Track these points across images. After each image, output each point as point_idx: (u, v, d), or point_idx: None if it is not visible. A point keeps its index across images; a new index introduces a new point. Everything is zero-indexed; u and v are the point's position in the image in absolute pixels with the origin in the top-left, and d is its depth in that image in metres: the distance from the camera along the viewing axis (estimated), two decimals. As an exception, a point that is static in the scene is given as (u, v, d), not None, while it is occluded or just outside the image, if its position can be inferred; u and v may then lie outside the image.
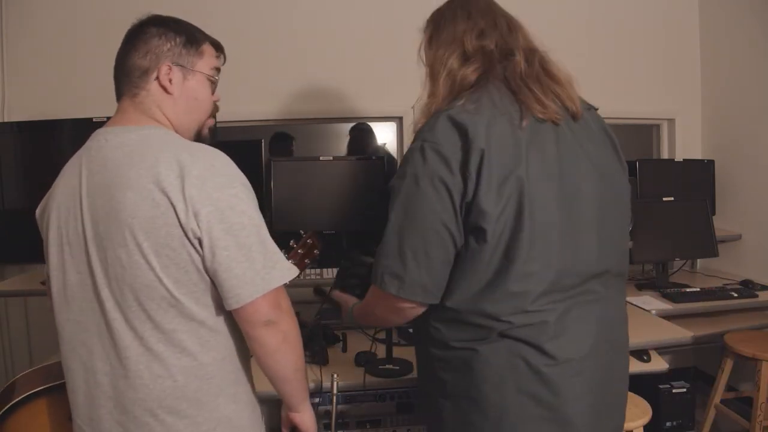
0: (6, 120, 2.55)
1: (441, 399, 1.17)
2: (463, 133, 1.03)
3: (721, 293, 2.43)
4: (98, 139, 1.09)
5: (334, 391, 1.59)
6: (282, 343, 1.05)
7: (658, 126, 3.27)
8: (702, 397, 2.66)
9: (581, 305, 1.12)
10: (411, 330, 1.42)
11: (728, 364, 2.31)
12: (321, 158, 2.39)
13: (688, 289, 2.47)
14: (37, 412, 1.34)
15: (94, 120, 2.16)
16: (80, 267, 1.05)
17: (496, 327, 1.08)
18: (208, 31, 1.19)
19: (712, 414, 2.40)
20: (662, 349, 2.02)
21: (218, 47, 1.19)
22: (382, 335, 2.06)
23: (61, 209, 1.07)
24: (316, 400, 1.73)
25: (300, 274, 1.25)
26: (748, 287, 2.53)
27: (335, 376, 1.60)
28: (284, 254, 1.12)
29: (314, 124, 3.12)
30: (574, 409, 1.09)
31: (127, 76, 1.10)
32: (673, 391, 2.58)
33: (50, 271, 1.10)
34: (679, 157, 3.09)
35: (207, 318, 1.04)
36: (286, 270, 1.05)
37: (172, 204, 0.97)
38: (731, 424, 2.47)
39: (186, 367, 1.03)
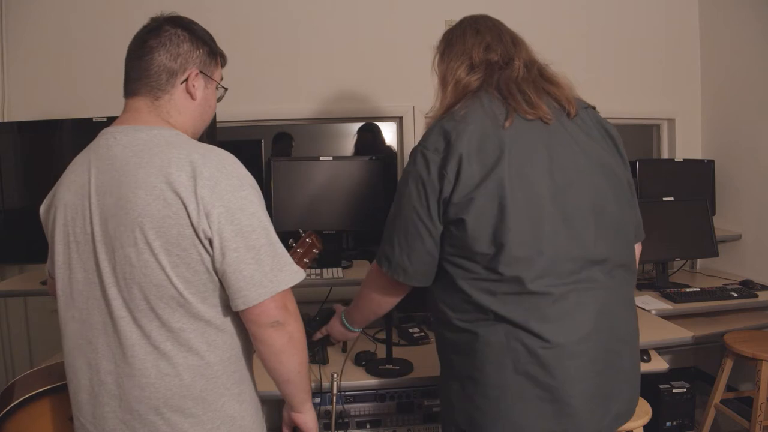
0: (6, 120, 2.55)
1: (450, 380, 1.26)
2: (447, 139, 1.17)
3: (721, 293, 2.43)
4: (107, 137, 1.08)
5: (334, 391, 1.59)
6: (287, 344, 1.07)
7: (658, 126, 3.27)
8: (702, 397, 2.66)
9: (580, 292, 1.17)
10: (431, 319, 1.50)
11: (728, 364, 2.31)
12: (321, 158, 2.39)
13: (688, 289, 2.47)
14: (37, 414, 1.33)
15: (94, 120, 2.15)
16: (87, 265, 1.05)
17: (488, 306, 1.16)
18: (207, 31, 1.20)
19: (712, 414, 2.40)
20: (662, 349, 2.02)
21: (225, 60, 1.22)
22: (382, 335, 2.06)
23: (68, 207, 1.07)
24: (317, 400, 1.73)
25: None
26: (748, 287, 2.53)
27: (335, 376, 1.60)
28: None
29: (314, 124, 3.13)
30: (572, 391, 1.14)
31: (150, 77, 1.08)
32: (673, 391, 2.58)
33: (56, 269, 1.10)
34: (679, 157, 3.09)
35: (214, 317, 1.05)
36: (294, 273, 1.07)
37: (184, 204, 0.98)
38: (731, 424, 2.48)
39: (192, 366, 1.03)
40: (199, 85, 1.12)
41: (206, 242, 1.00)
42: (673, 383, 2.60)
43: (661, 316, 2.22)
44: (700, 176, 2.95)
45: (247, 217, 1.01)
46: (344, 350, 1.95)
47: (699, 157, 3.13)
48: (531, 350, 1.14)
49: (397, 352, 1.92)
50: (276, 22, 2.77)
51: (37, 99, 2.62)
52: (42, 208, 1.15)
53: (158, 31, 1.09)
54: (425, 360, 1.85)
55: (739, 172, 2.90)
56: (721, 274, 2.85)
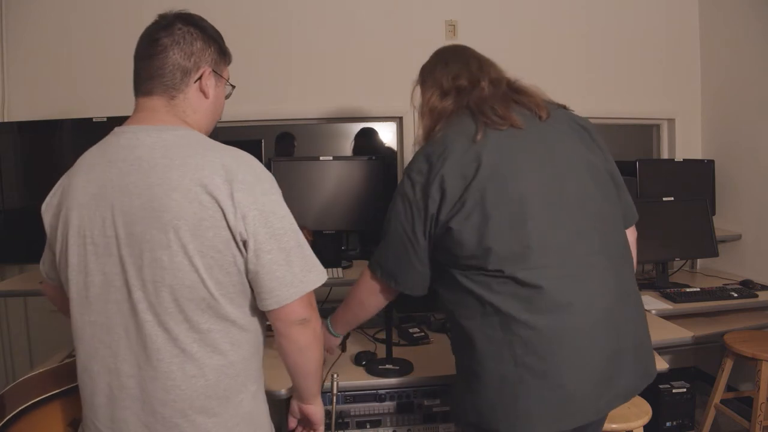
0: (6, 120, 2.55)
1: (458, 377, 1.34)
2: (429, 162, 1.29)
3: (721, 293, 2.43)
4: (126, 137, 1.06)
5: (334, 391, 1.58)
6: (312, 340, 1.12)
7: (658, 126, 3.27)
8: (702, 397, 2.66)
9: (575, 280, 1.22)
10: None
11: (728, 364, 2.31)
12: (321, 158, 2.39)
13: (688, 289, 2.47)
14: (35, 423, 1.30)
15: (94, 120, 2.16)
16: (106, 268, 1.03)
17: (487, 300, 1.23)
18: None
19: (712, 414, 2.40)
20: (662, 349, 2.01)
21: (231, 58, 1.21)
22: (382, 335, 2.06)
23: (84, 209, 1.04)
24: (316, 400, 1.73)
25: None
26: (748, 287, 2.53)
27: (335, 376, 1.60)
28: None
29: (314, 124, 3.13)
30: (574, 378, 1.19)
31: (165, 76, 1.07)
32: (673, 391, 2.58)
33: (69, 272, 1.06)
34: (679, 157, 3.09)
35: (239, 318, 1.07)
36: (321, 273, 1.12)
37: (220, 207, 0.99)
38: (731, 424, 2.48)
39: (217, 366, 1.04)
40: (211, 83, 1.12)
41: (241, 244, 1.02)
42: (673, 383, 2.60)
43: (661, 316, 2.22)
44: (700, 176, 2.95)
45: (279, 220, 1.05)
46: (344, 350, 1.95)
47: (699, 157, 3.13)
48: (528, 341, 1.19)
49: (397, 352, 1.92)
50: (276, 22, 2.77)
51: (37, 99, 2.62)
52: (45, 208, 1.12)
53: (170, 28, 1.08)
54: (425, 360, 1.84)
55: (739, 172, 2.90)
56: (721, 274, 2.85)
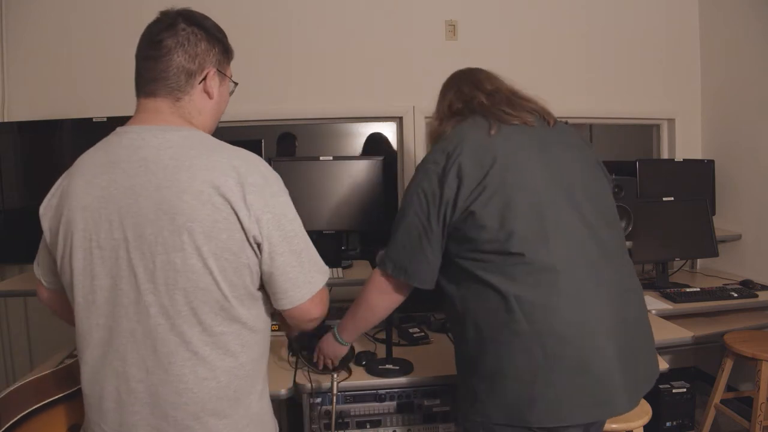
0: (6, 120, 2.55)
1: (474, 379, 1.32)
2: (446, 152, 1.34)
3: (721, 293, 2.43)
4: (130, 137, 1.04)
5: (334, 391, 1.59)
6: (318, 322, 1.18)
7: (658, 126, 3.27)
8: (702, 397, 2.66)
9: (588, 265, 1.27)
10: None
11: (728, 364, 2.31)
12: (321, 158, 2.40)
13: (688, 289, 2.47)
14: (36, 430, 1.29)
15: (94, 120, 2.16)
16: (114, 272, 1.01)
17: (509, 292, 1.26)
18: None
19: (712, 414, 2.40)
20: (662, 349, 2.01)
21: (233, 54, 1.20)
22: (382, 335, 2.06)
23: (88, 212, 1.01)
24: (317, 400, 1.73)
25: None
26: (748, 287, 2.53)
27: (335, 376, 1.60)
28: None
29: (315, 124, 3.13)
30: (599, 362, 1.22)
31: (169, 79, 1.06)
32: (673, 391, 2.58)
33: (74, 276, 1.04)
34: (679, 157, 3.09)
35: (250, 319, 1.07)
36: (326, 271, 1.15)
37: (234, 209, 0.99)
38: (731, 424, 2.48)
39: (228, 368, 1.04)
40: (215, 83, 1.11)
41: (255, 246, 1.02)
42: (673, 383, 2.60)
43: (661, 316, 2.22)
44: (700, 176, 2.95)
45: (290, 222, 1.06)
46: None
47: (699, 157, 3.13)
48: (553, 329, 1.21)
49: (397, 352, 1.92)
50: (276, 22, 2.77)
51: (37, 99, 2.62)
52: (43, 210, 1.08)
53: (174, 29, 1.06)
54: (425, 360, 1.84)
55: (739, 172, 2.90)
56: (721, 274, 2.85)
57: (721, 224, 2.93)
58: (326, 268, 1.15)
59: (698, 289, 2.47)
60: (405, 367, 1.81)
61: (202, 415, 1.02)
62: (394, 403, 1.79)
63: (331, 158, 2.40)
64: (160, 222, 0.98)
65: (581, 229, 1.29)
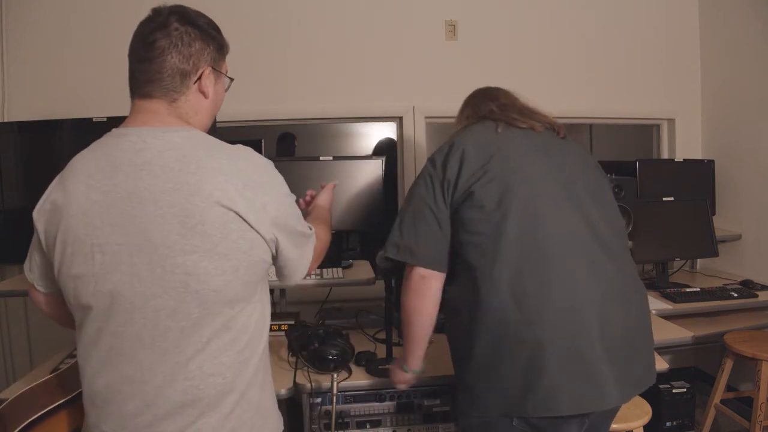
0: (6, 120, 2.55)
1: (469, 374, 1.35)
2: (450, 143, 1.43)
3: (721, 293, 2.43)
4: (130, 139, 1.02)
5: (334, 391, 1.58)
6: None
7: (658, 126, 3.27)
8: (702, 397, 2.66)
9: (586, 256, 1.29)
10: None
11: (728, 364, 2.31)
12: (321, 158, 2.39)
13: (688, 289, 2.47)
14: None
15: (94, 120, 2.15)
16: (118, 277, 0.99)
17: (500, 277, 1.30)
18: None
19: (712, 414, 2.40)
20: (662, 349, 2.02)
21: (228, 48, 1.18)
22: (382, 335, 2.06)
23: (88, 216, 0.99)
24: (317, 400, 1.73)
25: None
26: (748, 287, 2.53)
27: (335, 375, 1.60)
28: None
29: (314, 124, 3.13)
30: (589, 352, 1.23)
31: (163, 80, 1.04)
32: (673, 391, 2.58)
33: (77, 282, 1.02)
34: (679, 157, 3.09)
35: (258, 315, 1.09)
36: (313, 236, 1.20)
37: (243, 209, 0.99)
38: (731, 424, 2.48)
39: (235, 364, 1.04)
40: (210, 82, 1.10)
41: (265, 244, 1.05)
42: (673, 383, 2.60)
43: (661, 316, 2.22)
44: (700, 176, 2.95)
45: (294, 212, 1.12)
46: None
47: (699, 157, 3.13)
48: (543, 316, 1.22)
49: (397, 352, 1.91)
50: (276, 22, 2.77)
51: (37, 99, 2.62)
52: (37, 215, 1.05)
53: (166, 28, 1.04)
54: (425, 360, 1.84)
55: (739, 172, 2.90)
56: (721, 274, 2.86)
57: (721, 224, 2.93)
58: (309, 229, 1.20)
59: (698, 289, 2.47)
60: (405, 367, 1.81)
61: (207, 411, 1.02)
62: (394, 403, 1.79)
63: (331, 158, 2.40)
64: (168, 225, 0.97)
65: (579, 222, 1.31)
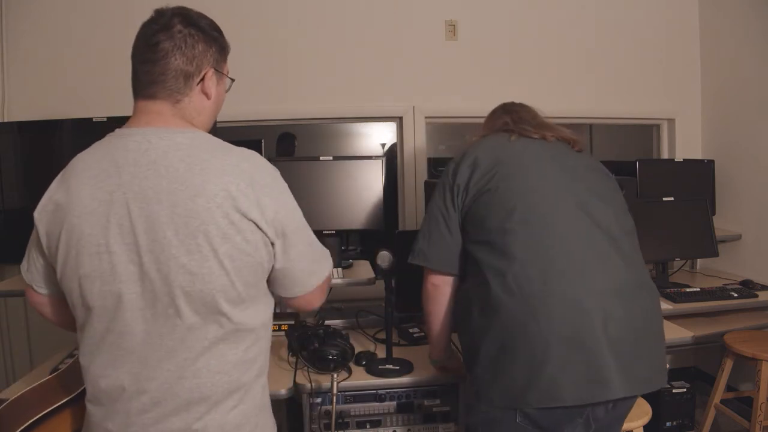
0: (6, 120, 2.55)
1: (475, 367, 1.37)
2: (464, 152, 1.50)
3: (721, 293, 2.43)
4: (135, 139, 1.03)
5: (334, 391, 1.58)
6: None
7: (658, 126, 3.27)
8: (702, 397, 2.66)
9: (594, 253, 1.32)
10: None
11: (728, 364, 2.31)
12: (321, 158, 2.39)
13: (688, 289, 2.47)
14: None
15: (94, 120, 2.15)
16: (125, 276, 0.99)
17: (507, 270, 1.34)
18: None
19: (712, 414, 2.40)
20: (662, 349, 2.02)
21: (229, 48, 1.19)
22: (382, 335, 2.07)
23: (94, 216, 0.99)
24: (317, 400, 1.73)
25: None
26: (748, 287, 2.53)
27: (335, 375, 1.60)
28: None
29: (315, 124, 3.13)
30: (592, 343, 1.24)
31: (167, 82, 1.05)
32: (673, 391, 2.58)
33: (82, 282, 1.02)
34: (679, 157, 3.09)
35: (261, 315, 1.10)
36: (330, 260, 1.23)
37: (248, 210, 1.00)
38: (731, 424, 2.48)
39: (240, 362, 1.06)
40: (212, 83, 1.11)
41: (269, 245, 1.05)
42: (673, 383, 2.60)
43: (661, 316, 2.22)
44: (700, 176, 2.95)
45: (299, 218, 1.12)
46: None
47: (699, 157, 3.13)
48: (552, 306, 1.25)
49: (397, 352, 1.92)
50: (276, 22, 2.77)
51: (37, 99, 2.62)
52: (39, 215, 1.05)
53: (170, 30, 1.05)
54: (425, 360, 1.84)
55: (739, 172, 2.90)
56: (721, 274, 2.86)
57: (721, 224, 2.93)
58: (328, 254, 1.22)
59: (698, 289, 2.47)
60: (405, 367, 1.81)
61: (213, 408, 1.03)
62: (394, 403, 1.79)
63: (331, 158, 2.40)
64: (173, 225, 0.98)
65: (588, 220, 1.34)
